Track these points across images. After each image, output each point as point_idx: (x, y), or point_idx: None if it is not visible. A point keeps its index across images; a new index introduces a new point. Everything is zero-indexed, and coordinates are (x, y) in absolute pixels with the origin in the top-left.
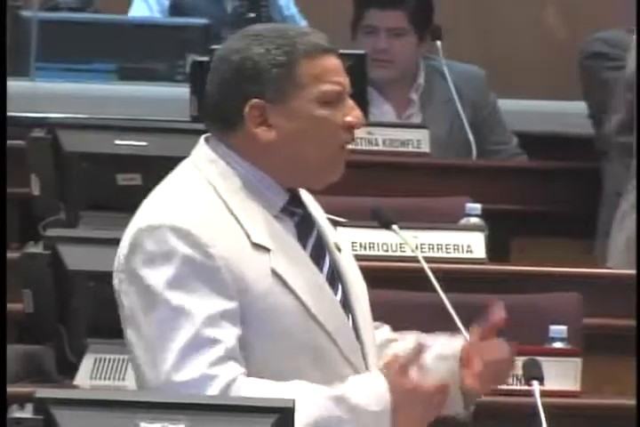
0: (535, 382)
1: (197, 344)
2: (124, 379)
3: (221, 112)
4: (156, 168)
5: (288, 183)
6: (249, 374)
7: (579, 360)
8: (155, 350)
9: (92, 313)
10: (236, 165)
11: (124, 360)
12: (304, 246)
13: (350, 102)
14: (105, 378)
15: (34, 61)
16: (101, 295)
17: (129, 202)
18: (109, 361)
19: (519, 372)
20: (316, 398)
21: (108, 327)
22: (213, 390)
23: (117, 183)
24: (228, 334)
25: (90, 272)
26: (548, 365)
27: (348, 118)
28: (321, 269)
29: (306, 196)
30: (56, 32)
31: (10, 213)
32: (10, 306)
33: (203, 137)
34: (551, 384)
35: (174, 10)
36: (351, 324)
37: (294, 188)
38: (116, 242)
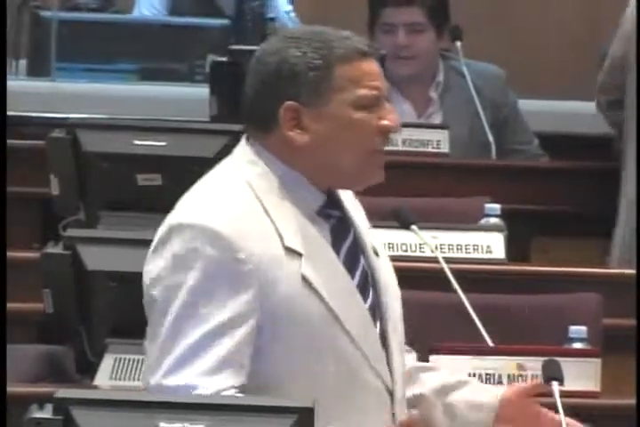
0: (555, 383)
1: (195, 352)
2: None
3: (257, 114)
4: (176, 168)
5: (323, 185)
6: (270, 373)
7: (598, 361)
8: (160, 352)
9: (112, 313)
10: (273, 166)
11: (143, 360)
12: (338, 251)
13: (388, 106)
14: (125, 378)
15: (54, 62)
16: (121, 295)
17: (149, 202)
18: (129, 361)
19: (539, 372)
20: None
21: (128, 328)
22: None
23: (137, 183)
24: (232, 343)
25: (109, 272)
26: (567, 365)
27: (385, 122)
28: (353, 274)
29: (346, 197)
30: (76, 32)
31: (30, 214)
32: (30, 306)
33: (244, 136)
34: (571, 385)
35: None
36: (378, 330)
37: (331, 189)
38: (135, 242)
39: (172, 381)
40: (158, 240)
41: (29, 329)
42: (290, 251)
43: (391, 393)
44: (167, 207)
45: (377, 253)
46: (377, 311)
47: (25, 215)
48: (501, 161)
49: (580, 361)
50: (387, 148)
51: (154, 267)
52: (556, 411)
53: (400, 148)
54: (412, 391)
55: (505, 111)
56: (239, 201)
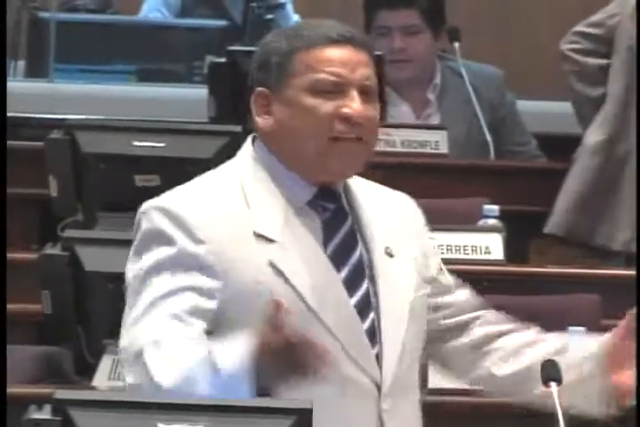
0: (553, 384)
1: (147, 312)
2: None
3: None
4: (174, 169)
5: (300, 174)
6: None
7: None
8: (123, 323)
9: (110, 314)
10: (265, 157)
11: None
12: (327, 242)
13: (353, 95)
14: (123, 379)
15: (53, 63)
16: (119, 296)
17: None
18: None
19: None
20: (197, 354)
21: None
22: (134, 350)
23: (135, 184)
24: (183, 304)
25: (108, 273)
26: None
27: (343, 109)
28: (340, 267)
29: (364, 191)
30: (75, 33)
31: (29, 215)
32: (28, 307)
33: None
34: None
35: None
36: (368, 325)
37: (318, 181)
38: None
39: (123, 342)
40: (134, 226)
41: (28, 330)
42: (260, 237)
43: (379, 387)
44: None
45: (391, 255)
46: (368, 307)
47: (23, 216)
48: (500, 162)
49: None
50: (385, 149)
51: (130, 251)
52: (555, 414)
53: (398, 149)
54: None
55: (502, 112)
56: (215, 189)
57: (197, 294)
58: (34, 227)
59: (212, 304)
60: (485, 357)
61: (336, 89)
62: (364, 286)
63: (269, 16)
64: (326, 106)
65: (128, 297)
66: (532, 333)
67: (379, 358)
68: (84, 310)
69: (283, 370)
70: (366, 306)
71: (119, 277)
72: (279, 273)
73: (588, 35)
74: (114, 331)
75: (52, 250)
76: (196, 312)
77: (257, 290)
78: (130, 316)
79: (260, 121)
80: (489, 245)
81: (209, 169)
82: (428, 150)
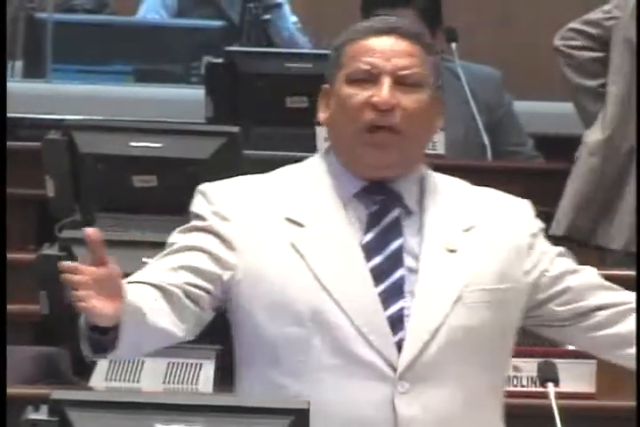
0: (550, 384)
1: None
2: (139, 381)
3: None
4: (172, 170)
5: (348, 168)
6: (255, 336)
7: (594, 362)
8: None
9: None
10: (329, 151)
11: (139, 362)
12: (367, 232)
13: (383, 82)
14: (120, 380)
15: (50, 63)
16: None
17: (144, 203)
18: (124, 363)
19: (534, 374)
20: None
21: None
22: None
23: (133, 185)
24: (188, 260)
25: None
26: (563, 367)
27: (373, 98)
28: (374, 254)
29: (453, 192)
30: (72, 34)
31: (26, 215)
32: (26, 307)
33: None
34: (566, 386)
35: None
36: (397, 309)
37: (366, 175)
38: (131, 244)
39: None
40: None
41: (25, 330)
42: (290, 222)
43: (395, 371)
44: (163, 209)
45: (452, 250)
46: (398, 293)
47: (21, 217)
48: (497, 163)
49: (575, 362)
50: None
51: None
52: (552, 413)
53: None
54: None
55: (500, 112)
56: (265, 177)
57: (207, 257)
58: (31, 227)
59: (219, 270)
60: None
61: (370, 78)
62: (397, 275)
63: (266, 16)
64: (359, 95)
65: None
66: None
67: (401, 343)
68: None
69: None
70: (395, 294)
71: None
72: (299, 255)
73: (583, 32)
74: None
75: (50, 250)
76: (205, 269)
77: (274, 269)
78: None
79: (320, 115)
80: None
81: (206, 170)
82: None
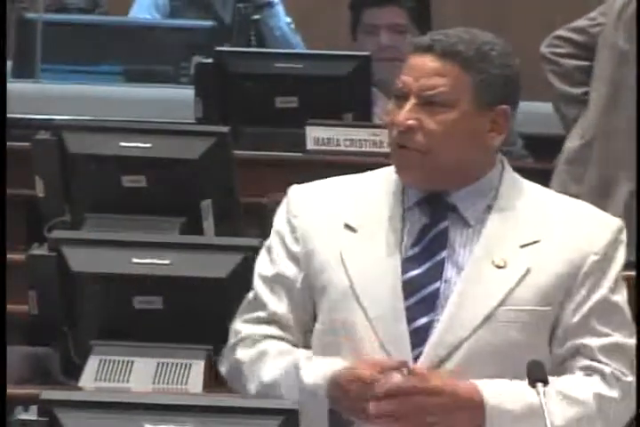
0: (539, 384)
1: (247, 307)
2: (128, 381)
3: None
4: (161, 170)
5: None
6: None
7: None
8: None
9: (97, 315)
10: None
11: (128, 362)
12: (414, 245)
13: (406, 103)
14: (110, 380)
15: (40, 63)
16: (106, 297)
17: (134, 204)
18: (114, 363)
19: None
20: (283, 362)
21: (113, 329)
22: (229, 344)
23: (122, 185)
24: (279, 301)
25: (95, 274)
26: None
27: (394, 117)
28: (416, 264)
29: (531, 205)
30: (62, 34)
31: (16, 215)
32: (15, 308)
33: None
34: None
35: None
36: (425, 321)
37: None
38: (121, 244)
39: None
40: None
41: (14, 331)
42: (347, 227)
43: None
44: (152, 209)
45: (500, 266)
46: (433, 304)
47: (10, 217)
48: None
49: None
50: (372, 149)
51: None
52: (543, 413)
53: (385, 149)
54: None
55: None
56: (344, 180)
57: (289, 285)
58: (21, 227)
59: (300, 294)
60: None
61: (402, 96)
62: (431, 288)
63: (256, 16)
64: (392, 113)
65: None
66: None
67: (417, 358)
68: (70, 310)
69: (348, 404)
70: (425, 307)
71: (106, 278)
72: (343, 262)
73: (569, 39)
74: (101, 332)
75: (39, 251)
76: (289, 307)
77: (322, 277)
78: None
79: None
80: None
81: (196, 170)
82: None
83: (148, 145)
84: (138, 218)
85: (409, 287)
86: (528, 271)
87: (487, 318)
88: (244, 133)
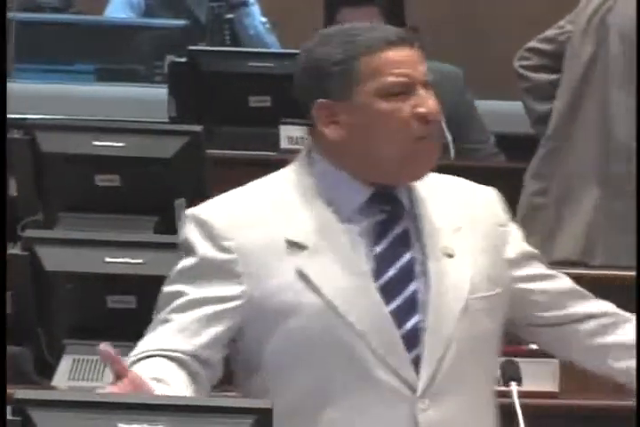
0: (513, 383)
1: (153, 328)
2: (102, 380)
3: (303, 112)
4: (135, 169)
5: (369, 179)
6: (272, 369)
7: (556, 361)
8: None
9: (71, 314)
10: (316, 163)
11: (102, 361)
12: (376, 245)
13: (422, 93)
14: (83, 379)
15: (13, 62)
16: (80, 296)
17: (107, 203)
18: (88, 362)
19: (497, 373)
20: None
21: (87, 328)
22: (129, 360)
23: (96, 184)
24: (199, 314)
25: (68, 273)
26: (525, 366)
27: (419, 109)
28: (388, 266)
29: (433, 188)
30: (35, 33)
31: None
32: None
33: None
34: (529, 385)
35: (156, 8)
36: (411, 326)
37: (380, 183)
38: (94, 243)
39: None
40: None
41: None
42: (292, 244)
43: (414, 390)
44: (126, 208)
45: (450, 255)
46: (411, 309)
47: None
48: (460, 161)
49: (538, 362)
50: None
51: None
52: (514, 412)
53: None
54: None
55: (461, 110)
56: (255, 196)
57: (217, 304)
58: None
59: (232, 312)
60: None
61: (406, 90)
62: (411, 287)
63: (230, 15)
64: (403, 108)
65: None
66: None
67: (418, 360)
68: (44, 309)
69: None
70: (410, 309)
71: (80, 277)
72: (306, 280)
73: (539, 51)
74: (74, 331)
75: (12, 250)
76: (211, 320)
77: (283, 298)
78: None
79: (329, 132)
80: None
81: (169, 169)
82: None
83: (121, 144)
84: (111, 217)
85: (388, 291)
86: (471, 258)
87: (464, 311)
88: (217, 133)
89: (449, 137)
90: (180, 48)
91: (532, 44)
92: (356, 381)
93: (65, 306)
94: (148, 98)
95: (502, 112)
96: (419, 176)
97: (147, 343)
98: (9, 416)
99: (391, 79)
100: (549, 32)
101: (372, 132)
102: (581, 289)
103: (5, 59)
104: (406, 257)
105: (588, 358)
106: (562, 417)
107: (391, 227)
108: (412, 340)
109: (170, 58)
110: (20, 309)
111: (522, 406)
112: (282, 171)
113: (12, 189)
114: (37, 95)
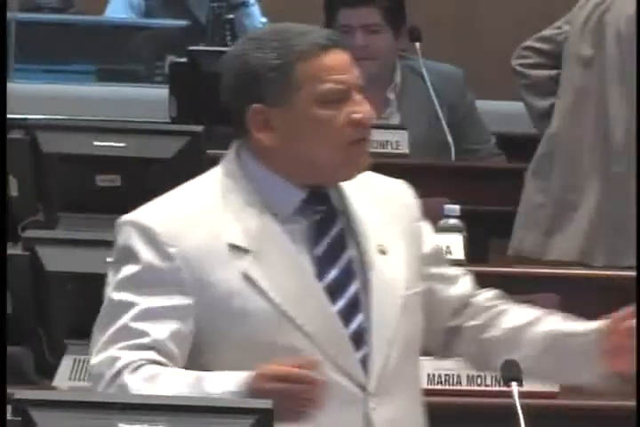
0: (514, 384)
1: (122, 334)
2: None
3: (232, 117)
4: (135, 169)
5: (303, 181)
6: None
7: None
8: (93, 341)
9: (71, 314)
10: (247, 166)
11: None
12: (316, 244)
13: (358, 98)
14: (84, 379)
15: (13, 62)
16: (80, 296)
17: (108, 203)
18: (88, 362)
19: (498, 373)
20: (183, 377)
21: (87, 328)
22: (113, 370)
23: (96, 184)
24: (160, 329)
25: (68, 273)
26: None
27: (353, 116)
28: (329, 268)
29: (360, 192)
30: (35, 33)
31: None
32: None
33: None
34: (530, 386)
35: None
36: (355, 326)
37: (312, 184)
38: (95, 243)
39: (97, 358)
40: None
41: None
42: (235, 248)
43: (364, 388)
44: (126, 208)
45: (383, 252)
46: (355, 309)
47: None
48: (461, 162)
49: None
50: None
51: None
52: (515, 412)
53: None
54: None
55: (462, 111)
56: (192, 199)
57: (170, 312)
58: None
59: (186, 325)
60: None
61: (343, 96)
62: (353, 287)
63: (231, 16)
64: (339, 115)
65: (100, 312)
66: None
67: (366, 359)
68: (44, 310)
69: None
70: (354, 308)
71: (80, 278)
72: (253, 284)
73: (537, 50)
74: (74, 331)
75: (13, 250)
76: (172, 336)
77: (231, 304)
78: (102, 336)
79: (263, 137)
80: (450, 245)
81: (169, 169)
82: (388, 150)
83: (121, 144)
84: (112, 217)
85: (332, 292)
86: (401, 254)
87: (403, 308)
88: (217, 132)
89: (449, 139)
90: (181, 48)
91: (530, 42)
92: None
93: (65, 306)
94: (149, 98)
95: (502, 112)
96: (352, 177)
97: (124, 354)
98: (9, 416)
99: (329, 86)
100: (547, 32)
101: (306, 139)
102: (479, 289)
103: (5, 59)
104: (345, 257)
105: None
106: (562, 417)
107: (328, 227)
108: (358, 340)
109: (170, 58)
110: (20, 309)
111: (522, 406)
112: (210, 174)
113: (13, 189)
114: (38, 95)
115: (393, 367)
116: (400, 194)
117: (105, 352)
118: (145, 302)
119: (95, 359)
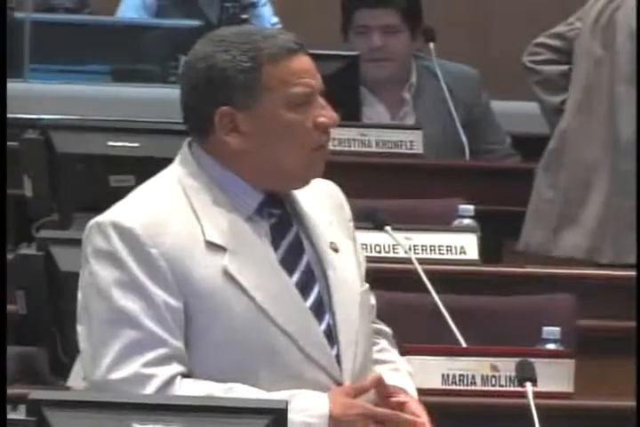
0: (528, 384)
1: (138, 344)
2: None
3: (194, 119)
4: (149, 169)
5: (263, 185)
6: (200, 373)
7: (572, 362)
8: (97, 347)
9: None
10: (207, 167)
11: None
12: (276, 248)
13: (321, 102)
14: None
15: (28, 63)
16: None
17: None
18: None
19: (512, 373)
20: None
21: None
22: (149, 389)
23: (110, 184)
24: (173, 334)
25: None
26: (540, 366)
27: (320, 119)
28: (292, 271)
29: (305, 192)
30: (50, 33)
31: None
32: None
33: (187, 140)
34: (544, 386)
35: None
36: (325, 325)
37: (270, 189)
38: None
39: (119, 374)
40: (83, 240)
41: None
42: (212, 245)
43: (340, 385)
44: None
45: (336, 250)
46: (322, 308)
47: None
48: (475, 162)
49: (553, 362)
50: (361, 149)
51: (83, 266)
52: (530, 412)
53: (374, 149)
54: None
55: (477, 111)
56: (161, 199)
57: (171, 316)
58: (8, 227)
59: (179, 316)
60: None
61: (310, 99)
62: (316, 287)
63: (244, 16)
64: (307, 118)
65: (83, 311)
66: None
67: (339, 356)
68: (58, 310)
69: None
70: (320, 308)
71: None
72: (234, 282)
73: (548, 46)
74: None
75: (27, 250)
76: (181, 339)
77: (213, 301)
78: (112, 346)
79: (230, 140)
80: (464, 245)
81: None
82: (403, 150)
83: (135, 144)
84: None
85: (302, 289)
86: (349, 252)
87: (361, 306)
88: None
89: (464, 138)
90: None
91: (541, 39)
92: (285, 380)
93: None
94: (163, 98)
95: (516, 112)
96: (307, 184)
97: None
98: (23, 416)
99: (297, 90)
100: (558, 28)
101: (274, 142)
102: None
103: (5, 59)
104: (305, 259)
105: None
106: (576, 418)
107: (284, 230)
108: (330, 338)
109: (184, 58)
110: (34, 309)
111: (537, 406)
112: (168, 175)
113: (27, 189)
114: (52, 96)
115: (361, 364)
116: (334, 194)
117: (127, 367)
118: (147, 306)
119: (116, 374)
